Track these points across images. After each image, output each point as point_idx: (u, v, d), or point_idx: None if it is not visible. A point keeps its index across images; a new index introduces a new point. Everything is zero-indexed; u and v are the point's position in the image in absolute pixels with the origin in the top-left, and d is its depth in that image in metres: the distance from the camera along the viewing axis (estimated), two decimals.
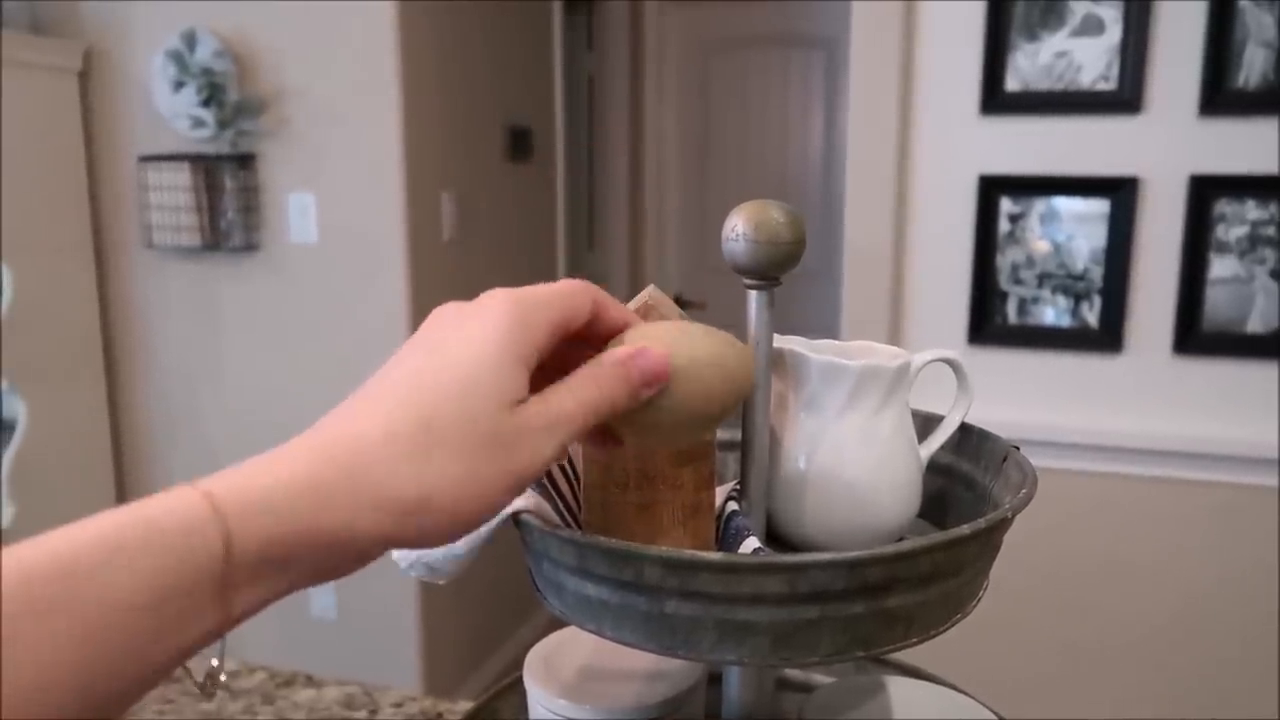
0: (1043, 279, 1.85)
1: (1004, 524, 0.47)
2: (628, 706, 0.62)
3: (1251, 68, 1.69)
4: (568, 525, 0.53)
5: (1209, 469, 1.81)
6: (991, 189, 1.85)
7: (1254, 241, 1.74)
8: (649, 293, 0.54)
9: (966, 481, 0.59)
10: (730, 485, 0.56)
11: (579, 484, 0.55)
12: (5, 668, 0.27)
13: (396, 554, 0.53)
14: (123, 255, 2.59)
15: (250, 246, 2.44)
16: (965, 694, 0.66)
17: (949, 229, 1.89)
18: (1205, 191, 1.74)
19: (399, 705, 1.05)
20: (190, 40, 2.36)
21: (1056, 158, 1.81)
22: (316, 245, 2.42)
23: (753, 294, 0.50)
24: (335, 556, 0.35)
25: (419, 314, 2.41)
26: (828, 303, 2.84)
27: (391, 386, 0.38)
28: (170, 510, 0.32)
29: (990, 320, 1.88)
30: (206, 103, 2.35)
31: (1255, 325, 1.75)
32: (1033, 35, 1.78)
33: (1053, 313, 1.85)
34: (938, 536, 0.44)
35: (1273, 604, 1.79)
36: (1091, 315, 1.83)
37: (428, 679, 2.55)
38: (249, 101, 2.35)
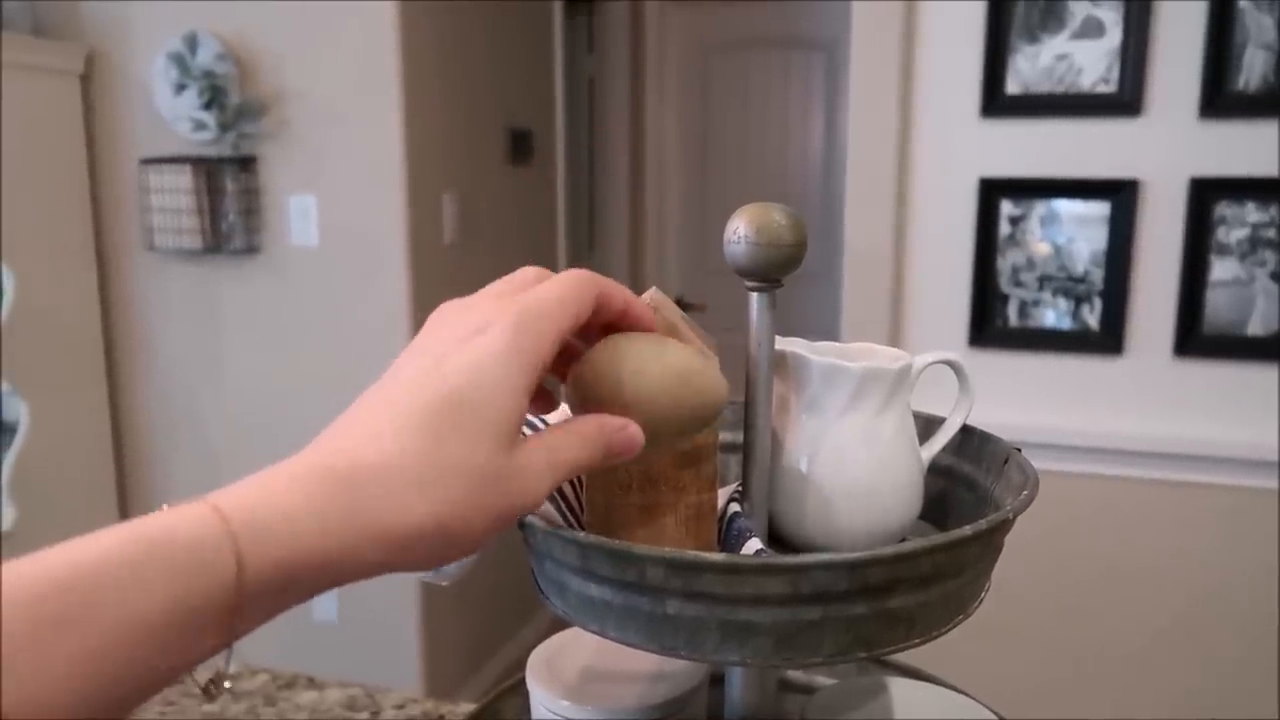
0: (1043, 281, 1.85)
1: (1005, 525, 0.47)
2: (630, 707, 0.62)
3: (1252, 70, 1.69)
4: (570, 527, 0.53)
5: (1210, 471, 1.81)
6: (992, 191, 1.85)
7: (1254, 244, 1.74)
8: (651, 294, 0.54)
9: (968, 483, 0.59)
10: (732, 487, 0.56)
11: (581, 485, 0.55)
12: (8, 681, 0.27)
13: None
14: (124, 257, 2.59)
15: (251, 249, 2.45)
16: (966, 695, 0.66)
17: (949, 231, 1.89)
18: (1206, 194, 1.75)
19: (401, 707, 1.05)
20: (192, 43, 2.37)
21: (1057, 160, 1.81)
22: (317, 247, 2.42)
23: (754, 296, 0.51)
24: (335, 580, 0.35)
25: (420, 316, 2.41)
26: (827, 305, 2.84)
27: (394, 408, 0.38)
28: (185, 531, 0.32)
29: (991, 323, 1.88)
30: (208, 105, 2.35)
31: (1256, 328, 1.76)
32: (1033, 37, 1.78)
33: (1053, 315, 1.86)
34: (939, 537, 0.44)
35: (1273, 606, 1.79)
36: (1092, 318, 1.84)
37: (428, 681, 2.55)
38: (250, 104, 2.36)
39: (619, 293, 0.45)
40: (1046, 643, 1.93)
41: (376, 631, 2.52)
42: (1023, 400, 1.88)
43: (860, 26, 1.89)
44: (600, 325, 0.45)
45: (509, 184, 2.94)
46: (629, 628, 0.46)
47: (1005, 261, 1.86)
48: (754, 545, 0.48)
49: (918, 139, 1.89)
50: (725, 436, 0.61)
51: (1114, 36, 1.74)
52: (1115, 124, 1.77)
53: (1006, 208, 1.85)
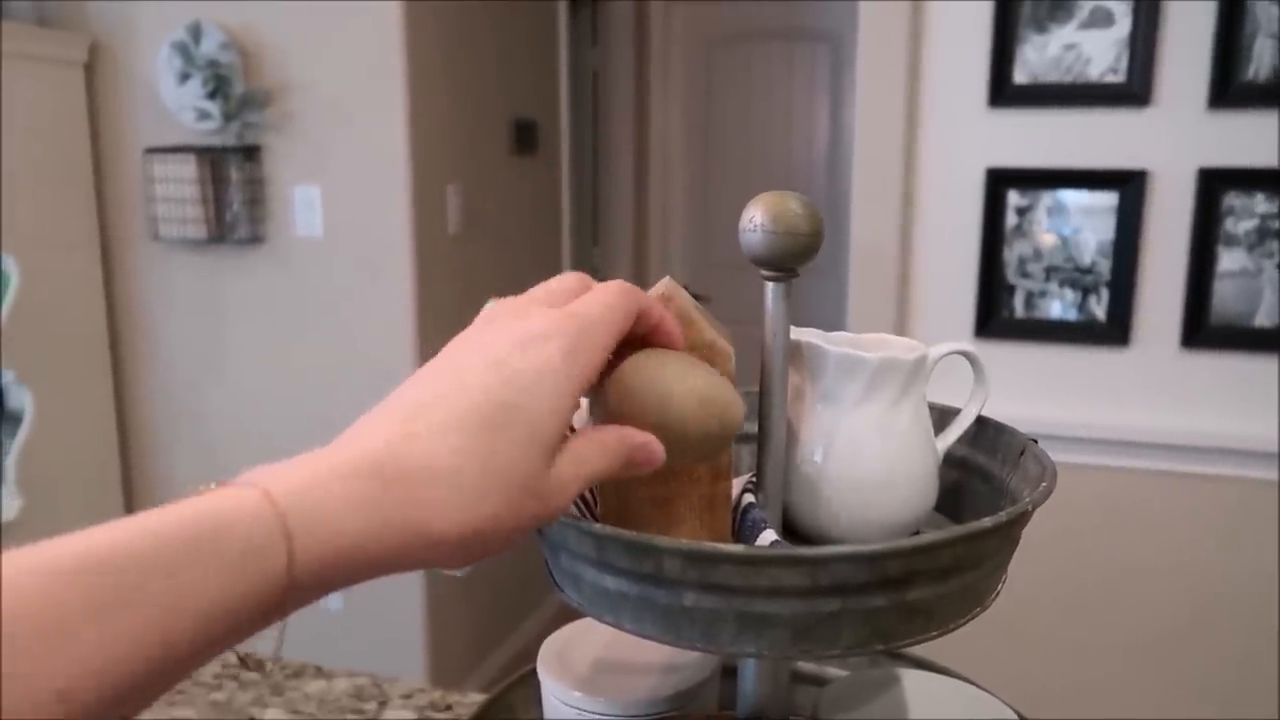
0: (1050, 272, 1.84)
1: (1024, 517, 0.47)
2: (642, 699, 0.62)
3: (1261, 60, 1.68)
4: (584, 518, 0.53)
5: (1216, 463, 1.80)
6: (999, 182, 1.84)
7: (1263, 235, 1.73)
8: (665, 284, 0.53)
9: (983, 474, 0.58)
10: (746, 478, 0.56)
11: None
12: (74, 651, 0.28)
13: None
14: (128, 247, 2.59)
15: (256, 239, 2.44)
16: (978, 686, 0.66)
17: (956, 222, 1.88)
18: (1214, 184, 1.74)
19: (408, 697, 1.05)
20: (196, 32, 2.36)
21: (1065, 151, 1.80)
22: (322, 238, 2.42)
23: (770, 285, 0.50)
24: (376, 573, 0.36)
25: (424, 307, 2.41)
26: (832, 298, 2.84)
27: (451, 408, 0.37)
28: (238, 518, 0.32)
29: (997, 314, 1.88)
30: (212, 95, 2.35)
31: (1263, 319, 1.75)
32: (1041, 27, 1.77)
33: (1060, 306, 1.85)
34: (959, 529, 0.44)
35: None
36: (1099, 309, 1.83)
37: (433, 670, 2.55)
38: (254, 93, 2.35)
39: (655, 307, 0.45)
40: (1052, 633, 1.93)
41: (381, 620, 2.53)
42: (1029, 392, 1.88)
43: (867, 17, 1.88)
44: (635, 338, 0.45)
45: (513, 176, 2.93)
46: (644, 620, 0.46)
47: (1012, 252, 1.86)
48: (769, 536, 0.48)
49: (924, 129, 1.88)
50: None
51: (1123, 26, 1.73)
52: (1123, 114, 1.77)
53: (1013, 198, 1.84)
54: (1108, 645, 1.91)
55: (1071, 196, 1.82)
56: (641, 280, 3.93)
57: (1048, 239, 1.84)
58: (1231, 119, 1.72)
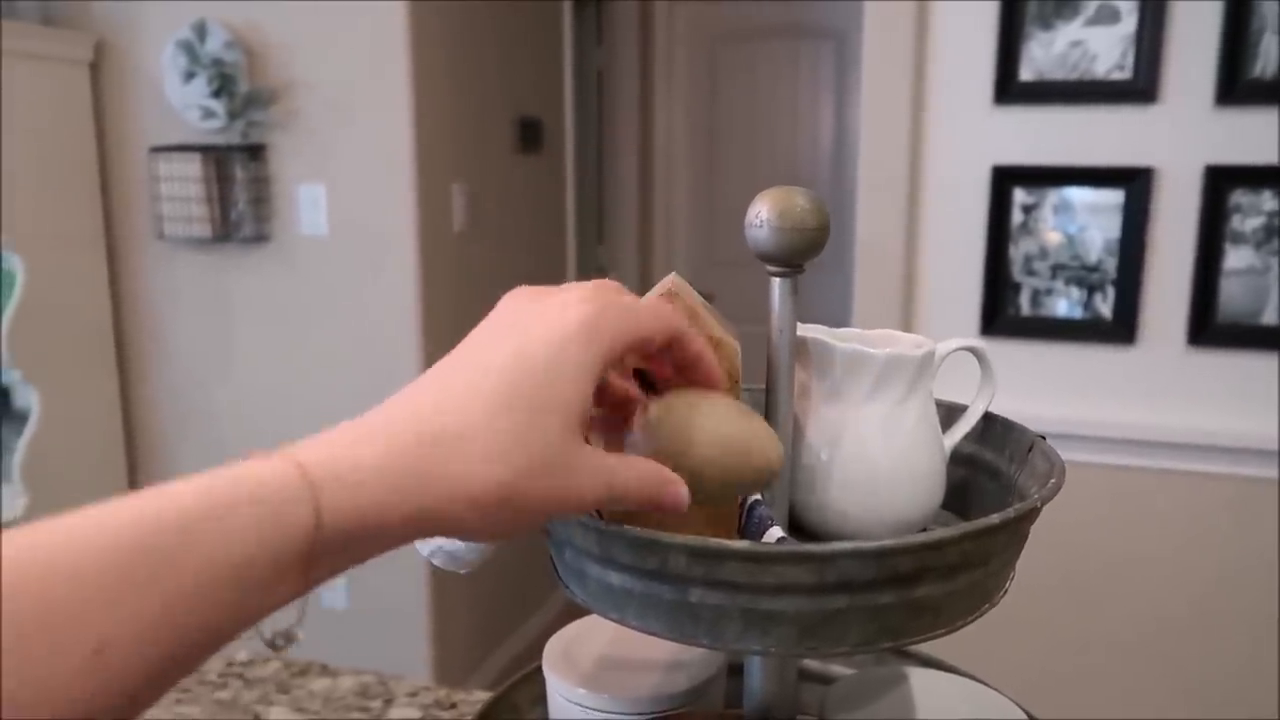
0: (1056, 270, 1.84)
1: (1033, 513, 0.47)
2: (647, 697, 0.62)
3: (1268, 57, 1.68)
4: (590, 514, 0.52)
5: (1223, 462, 1.80)
6: (1005, 180, 1.84)
7: (1270, 232, 1.72)
8: (671, 280, 0.53)
9: (990, 471, 0.58)
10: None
11: None
12: (113, 614, 0.28)
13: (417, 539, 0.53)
14: (134, 246, 2.59)
15: (261, 237, 2.44)
16: (984, 684, 0.65)
17: (961, 220, 1.88)
18: (1221, 182, 1.73)
19: (414, 695, 1.05)
20: (201, 31, 2.36)
21: (1070, 148, 1.80)
22: (327, 236, 2.42)
23: (776, 281, 0.50)
24: (407, 537, 0.36)
25: (429, 304, 2.41)
26: (837, 295, 2.83)
27: (474, 379, 0.38)
28: (265, 480, 0.33)
29: (1003, 312, 1.87)
30: (217, 93, 2.35)
31: (1270, 317, 1.74)
32: (1047, 24, 1.77)
33: (1065, 304, 1.84)
34: (968, 526, 0.43)
35: None
36: (1105, 307, 1.82)
37: (437, 668, 2.55)
38: (259, 92, 2.35)
39: (697, 341, 0.45)
40: (1056, 633, 1.92)
41: (386, 619, 2.53)
42: (1034, 390, 1.87)
43: (872, 14, 1.87)
44: (673, 367, 0.45)
45: (518, 174, 2.93)
46: (650, 616, 0.45)
47: (1018, 250, 1.85)
48: (775, 533, 0.48)
49: (930, 126, 1.87)
50: None
51: (1129, 23, 1.73)
52: (1129, 111, 1.76)
53: (1019, 196, 1.84)
54: (1111, 642, 1.91)
55: (1077, 194, 1.81)
56: (646, 279, 3.92)
57: (1053, 237, 1.83)
58: (1238, 116, 1.71)
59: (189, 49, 2.37)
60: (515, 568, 2.94)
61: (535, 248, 3.08)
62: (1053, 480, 0.48)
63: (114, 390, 2.62)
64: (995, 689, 0.65)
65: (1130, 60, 1.74)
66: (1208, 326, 1.77)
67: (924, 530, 0.53)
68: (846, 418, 0.52)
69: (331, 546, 0.34)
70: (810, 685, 0.72)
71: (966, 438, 0.58)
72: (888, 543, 0.42)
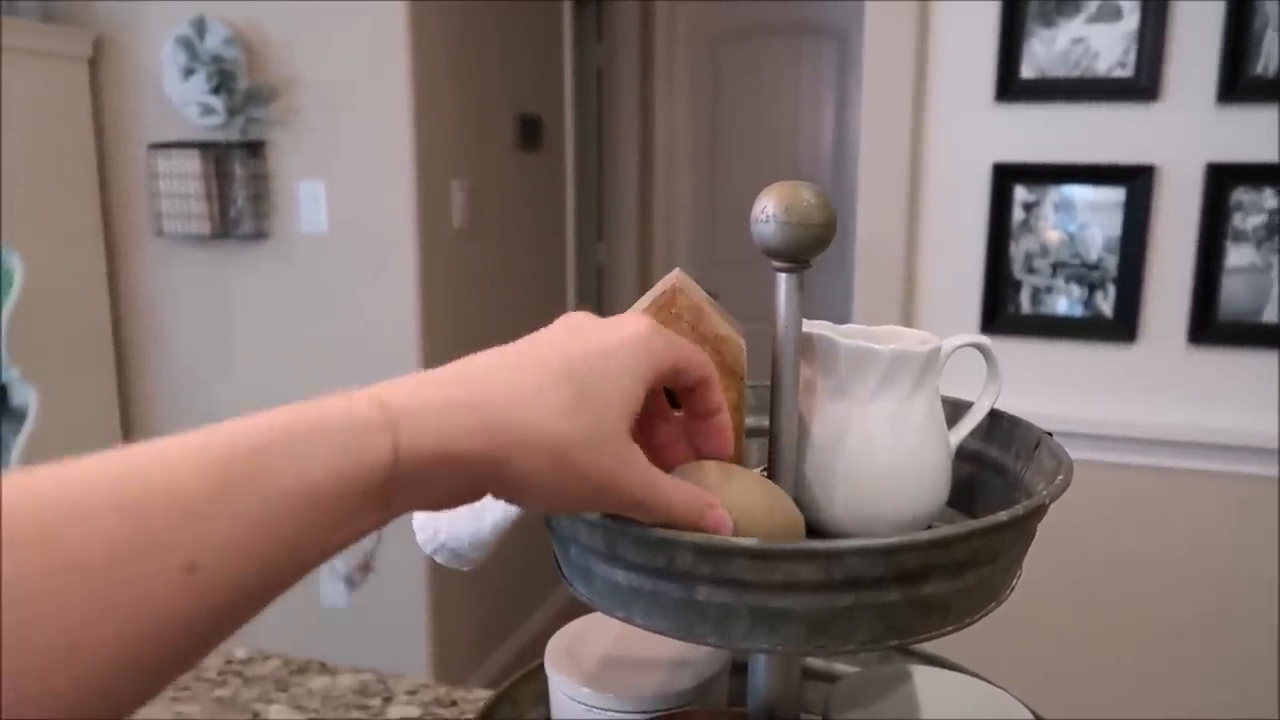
0: (1056, 268, 1.84)
1: (1041, 511, 0.46)
2: (651, 695, 0.62)
3: (1270, 55, 1.67)
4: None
5: (1224, 460, 1.79)
6: (1006, 177, 1.84)
7: (1271, 230, 1.72)
8: (675, 276, 0.53)
9: (996, 468, 0.58)
10: (758, 472, 0.55)
11: None
12: (203, 527, 0.29)
13: (420, 536, 0.53)
14: (133, 243, 2.59)
15: (260, 235, 2.44)
16: (990, 683, 0.65)
17: (962, 218, 1.87)
18: (1223, 180, 1.73)
19: (413, 693, 1.05)
20: (200, 27, 2.36)
21: (1072, 146, 1.80)
22: (326, 233, 2.42)
23: (782, 277, 0.50)
24: (477, 482, 0.38)
25: (429, 302, 2.41)
26: (837, 292, 2.83)
27: (539, 357, 0.40)
28: (346, 412, 0.34)
29: (1003, 310, 1.87)
30: (216, 90, 2.34)
31: (1272, 315, 1.74)
32: (1049, 21, 1.76)
33: (1066, 302, 1.84)
34: (976, 523, 0.43)
35: None
36: (1106, 305, 1.82)
37: (437, 666, 2.55)
38: (258, 88, 2.35)
39: (720, 396, 0.47)
40: (1057, 632, 1.92)
41: (386, 616, 2.52)
42: (1035, 388, 1.87)
43: (874, 12, 1.87)
44: (688, 414, 0.48)
45: (518, 172, 2.93)
46: (656, 614, 0.45)
47: (1018, 248, 1.85)
48: None
49: (931, 124, 1.87)
50: (751, 421, 0.60)
51: (1131, 20, 1.72)
52: (1131, 109, 1.76)
53: (1020, 193, 1.84)
54: (1113, 639, 1.91)
55: (1079, 192, 1.81)
56: (645, 277, 3.92)
57: (1054, 234, 1.83)
58: (1240, 114, 1.71)
59: (188, 45, 2.36)
60: (516, 565, 2.94)
61: (535, 245, 3.08)
62: (1060, 477, 0.48)
63: (112, 388, 2.62)
64: (999, 687, 0.64)
65: (1132, 58, 1.74)
66: (1209, 324, 1.77)
67: (929, 527, 0.53)
68: (852, 414, 0.52)
69: (408, 481, 0.35)
70: (814, 683, 0.72)
71: (972, 434, 0.57)
72: (895, 540, 0.42)
